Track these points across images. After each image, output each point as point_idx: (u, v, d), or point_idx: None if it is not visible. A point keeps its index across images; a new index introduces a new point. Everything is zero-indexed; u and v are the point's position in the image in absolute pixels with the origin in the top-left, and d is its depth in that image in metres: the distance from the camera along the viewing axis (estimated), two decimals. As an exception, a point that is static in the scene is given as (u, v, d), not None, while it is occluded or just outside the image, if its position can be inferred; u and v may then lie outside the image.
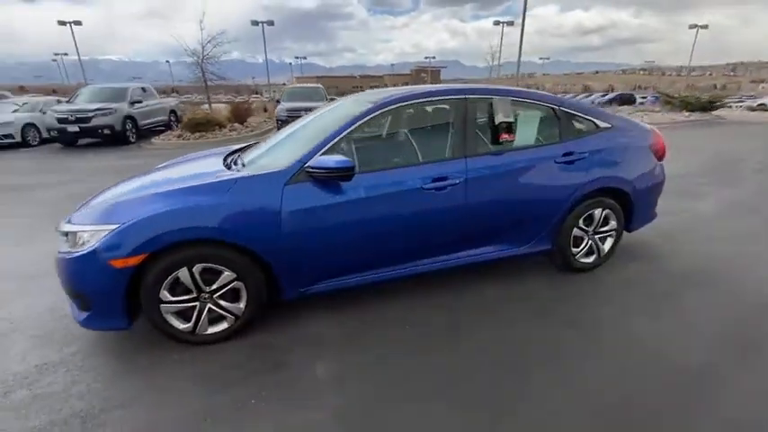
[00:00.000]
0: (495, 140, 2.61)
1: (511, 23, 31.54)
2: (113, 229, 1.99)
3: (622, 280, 2.96)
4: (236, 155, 2.89)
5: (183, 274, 2.08)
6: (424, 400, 1.86)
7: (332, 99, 12.40)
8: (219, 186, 2.17)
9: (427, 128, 2.82)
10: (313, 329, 2.41)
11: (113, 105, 10.91)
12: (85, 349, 2.25)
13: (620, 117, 3.13)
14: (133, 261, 1.98)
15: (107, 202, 2.20)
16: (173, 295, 2.11)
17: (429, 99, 2.57)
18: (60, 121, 10.27)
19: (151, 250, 1.99)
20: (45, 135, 11.03)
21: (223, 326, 2.26)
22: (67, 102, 11.73)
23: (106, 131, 10.57)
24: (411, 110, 2.76)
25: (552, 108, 2.77)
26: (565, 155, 2.70)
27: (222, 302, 2.21)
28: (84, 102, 11.30)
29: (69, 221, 2.16)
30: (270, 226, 2.14)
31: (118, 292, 2.01)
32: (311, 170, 2.17)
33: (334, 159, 2.14)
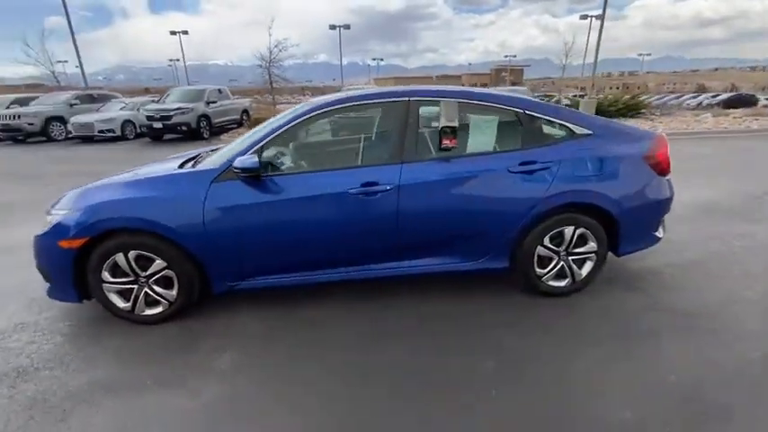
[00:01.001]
0: (440, 146, 2.44)
1: (601, 17, 28.62)
2: (64, 214, 2.28)
3: (600, 307, 2.57)
4: (209, 153, 3.09)
5: (119, 258, 2.31)
6: (299, 401, 1.83)
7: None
8: (154, 182, 2.36)
9: (371, 131, 2.73)
10: (242, 322, 2.50)
11: (191, 105, 12.33)
12: (57, 315, 2.61)
13: (607, 122, 2.70)
14: (76, 243, 2.25)
15: (78, 190, 2.52)
16: (113, 277, 2.35)
17: (366, 102, 2.49)
18: (148, 118, 11.91)
19: (91, 235, 2.24)
20: (138, 131, 12.89)
21: (158, 309, 2.45)
22: (156, 102, 13.53)
23: (184, 128, 12.00)
24: (356, 113, 2.69)
25: (514, 112, 2.50)
26: (523, 164, 2.41)
27: (156, 288, 2.40)
28: (170, 102, 12.94)
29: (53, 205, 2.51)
30: (195, 221, 2.27)
31: (67, 270, 2.31)
32: (234, 170, 2.25)
33: (249, 160, 2.19)
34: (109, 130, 12.46)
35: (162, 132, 12.20)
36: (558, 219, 2.50)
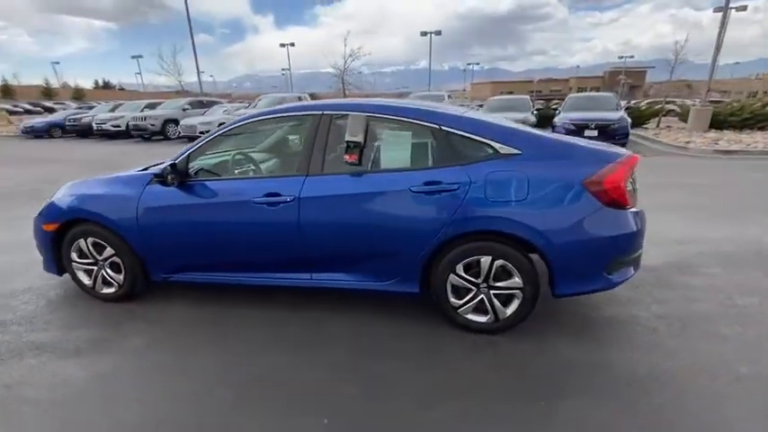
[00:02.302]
0: (354, 161, 2.38)
1: (744, 8, 23.70)
2: (50, 202, 2.81)
3: (516, 354, 2.23)
4: None
5: (82, 243, 2.77)
6: (178, 386, 2.00)
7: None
8: (112, 181, 2.76)
9: (288, 144, 2.76)
10: (176, 313, 2.77)
11: (271, 110, 13.69)
12: (55, 284, 3.21)
13: (548, 141, 2.31)
14: (52, 227, 2.77)
15: (69, 183, 3.05)
16: (79, 257, 2.83)
17: (283, 116, 2.54)
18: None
19: (61, 221, 2.74)
20: (230, 132, 14.75)
21: (112, 289, 2.86)
22: (246, 107, 15.31)
23: (262, 131, 13.39)
24: (281, 124, 2.75)
25: (430, 127, 2.31)
26: (427, 184, 2.22)
27: (109, 271, 2.81)
28: (260, 107, 14.56)
29: None
30: (130, 217, 2.61)
31: (49, 248, 2.85)
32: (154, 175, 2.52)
33: (160, 168, 2.44)
34: (207, 131, 14.51)
35: (246, 134, 13.77)
36: (472, 247, 2.24)
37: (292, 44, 38.52)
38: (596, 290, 2.29)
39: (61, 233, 2.79)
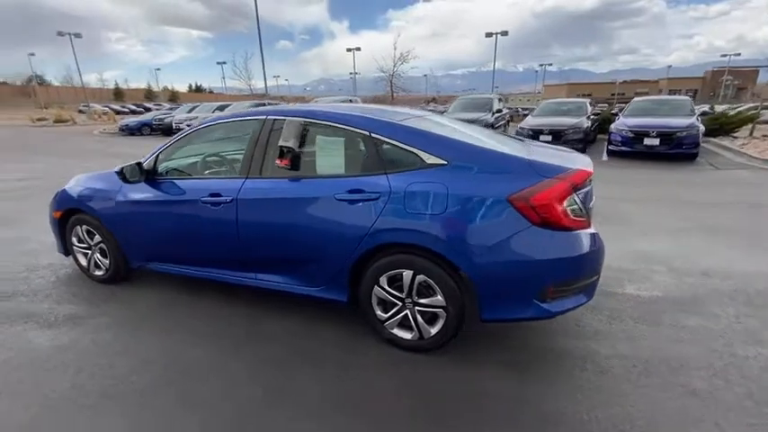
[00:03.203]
0: (286, 165, 2.41)
1: None
2: (61, 191, 3.24)
3: (429, 378, 2.09)
4: None
5: (78, 229, 3.16)
6: (118, 363, 2.22)
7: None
8: (103, 176, 3.10)
9: (240, 146, 2.82)
10: (149, 295, 3.04)
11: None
12: (67, 263, 3.68)
13: (477, 151, 2.12)
14: (58, 214, 3.20)
15: (78, 175, 3.47)
16: (78, 242, 3.23)
17: (236, 120, 2.65)
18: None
19: (62, 210, 3.15)
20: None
21: (101, 272, 3.21)
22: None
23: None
24: (235, 128, 2.83)
25: (361, 134, 2.25)
26: (351, 192, 2.18)
27: (98, 256, 3.17)
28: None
29: None
30: (110, 208, 2.93)
31: (57, 232, 3.29)
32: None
33: (123, 166, 2.69)
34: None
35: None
36: (395, 259, 2.15)
37: (358, 48, 39.66)
38: (527, 318, 2.06)
39: (65, 219, 3.21)
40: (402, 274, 2.16)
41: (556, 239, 1.93)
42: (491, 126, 11.78)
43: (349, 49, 39.79)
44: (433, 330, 2.18)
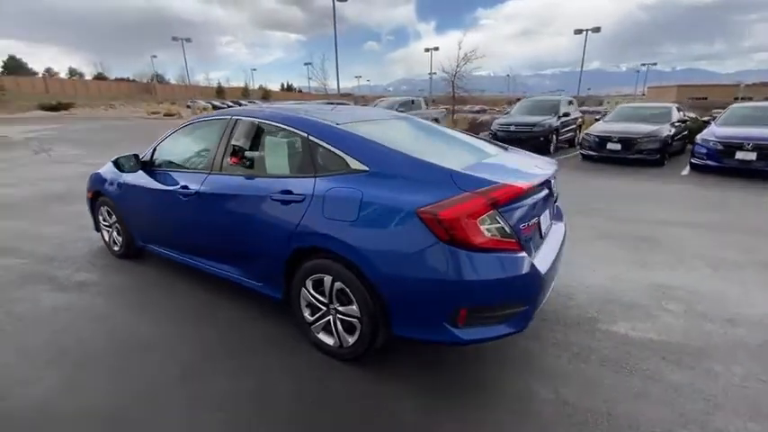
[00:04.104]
0: (235, 163, 2.53)
1: None
2: (93, 175, 3.78)
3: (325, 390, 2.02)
4: None
5: (102, 209, 3.66)
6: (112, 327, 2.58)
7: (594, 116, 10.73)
8: (116, 163, 3.54)
9: (214, 144, 2.96)
10: (150, 272, 3.41)
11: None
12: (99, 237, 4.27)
13: (399, 156, 1.97)
14: (89, 195, 3.74)
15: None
16: (103, 221, 3.74)
17: (212, 119, 2.81)
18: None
19: (92, 191, 3.68)
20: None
21: (117, 248, 3.67)
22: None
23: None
24: (211, 126, 2.96)
25: (301, 136, 2.26)
26: (282, 192, 2.20)
27: (115, 234, 3.63)
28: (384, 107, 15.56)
29: None
30: (118, 192, 3.34)
31: (90, 211, 3.85)
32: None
33: (123, 155, 3.02)
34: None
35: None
36: (317, 263, 2.13)
37: (436, 48, 39.31)
38: (437, 341, 1.90)
39: (95, 200, 3.73)
40: (324, 279, 2.13)
41: (469, 260, 1.74)
42: (555, 131, 10.87)
43: (427, 50, 39.69)
44: (351, 340, 2.12)
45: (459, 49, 14.99)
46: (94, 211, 3.79)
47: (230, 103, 53.79)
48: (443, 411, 1.89)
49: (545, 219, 2.24)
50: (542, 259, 2.04)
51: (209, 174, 2.65)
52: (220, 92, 72.77)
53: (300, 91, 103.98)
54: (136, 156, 3.09)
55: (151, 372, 2.18)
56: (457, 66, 15.02)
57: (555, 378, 2.11)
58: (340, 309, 2.12)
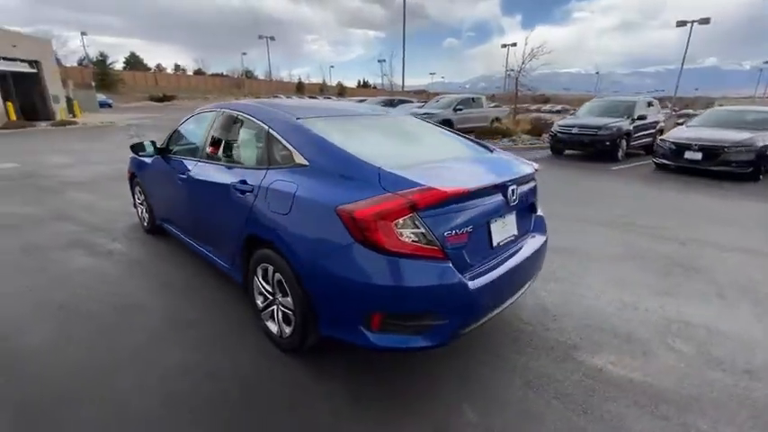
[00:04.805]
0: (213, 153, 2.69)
1: None
2: (132, 157, 4.29)
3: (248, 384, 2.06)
4: None
5: (136, 189, 4.14)
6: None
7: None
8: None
9: (205, 133, 3.09)
10: (164, 245, 3.79)
11: (438, 111, 14.20)
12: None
13: (336, 152, 1.91)
14: (128, 176, 4.25)
15: None
16: (137, 199, 4.22)
17: (207, 112, 2.99)
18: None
19: (130, 172, 4.18)
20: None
21: (145, 224, 4.11)
22: (421, 107, 16.30)
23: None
24: (208, 118, 3.11)
25: (263, 129, 2.32)
26: (240, 182, 2.29)
27: (145, 211, 4.08)
28: (429, 107, 15.33)
29: None
30: (144, 174, 3.76)
31: (131, 189, 4.37)
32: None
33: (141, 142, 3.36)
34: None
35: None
36: (262, 252, 2.19)
37: (514, 44, 37.29)
38: (355, 343, 1.83)
39: (132, 179, 4.23)
40: (268, 269, 2.18)
41: (383, 264, 1.66)
42: (626, 136, 9.73)
43: (503, 45, 37.90)
44: (288, 331, 2.15)
45: (526, 44, 14.09)
46: (132, 189, 4.29)
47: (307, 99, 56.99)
48: (355, 422, 1.83)
49: (501, 229, 2.04)
50: (483, 273, 1.87)
51: (198, 161, 2.86)
52: (300, 87, 77.13)
53: (375, 87, 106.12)
54: (153, 142, 3.43)
55: (125, 333, 2.43)
56: (522, 62, 14.15)
57: (493, 403, 1.93)
58: (280, 299, 2.16)
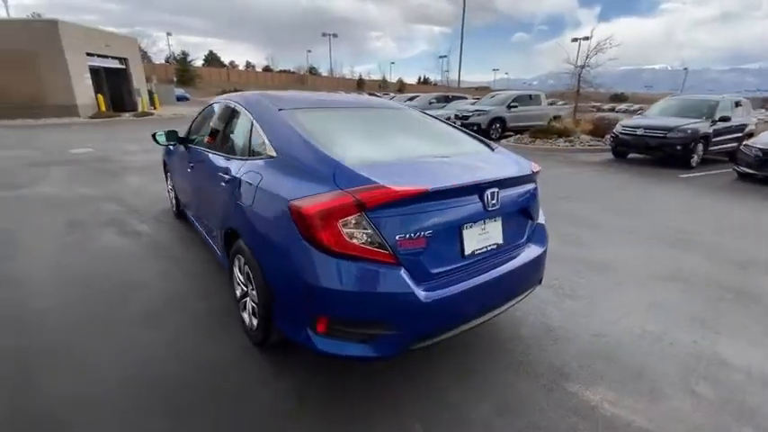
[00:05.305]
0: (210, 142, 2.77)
1: None
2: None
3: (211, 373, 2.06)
4: None
5: (167, 175, 4.42)
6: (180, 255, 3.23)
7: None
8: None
9: (210, 123, 3.11)
10: (178, 232, 4.01)
11: (489, 108, 13.60)
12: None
13: (301, 145, 1.81)
14: (163, 162, 4.56)
15: None
16: (169, 185, 4.51)
17: (219, 102, 3.04)
18: (455, 117, 14.32)
19: (163, 160, 4.47)
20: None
21: (174, 209, 4.40)
22: (473, 104, 15.69)
23: (474, 127, 13.53)
24: (219, 111, 3.15)
25: (249, 120, 2.30)
26: (224, 171, 2.30)
27: (172, 196, 4.34)
28: (483, 104, 14.73)
29: None
30: (169, 162, 3.98)
31: (165, 175, 4.68)
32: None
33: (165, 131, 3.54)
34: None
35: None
36: (237, 243, 2.18)
37: (585, 38, 34.63)
38: (305, 345, 1.73)
39: (165, 166, 4.53)
40: (240, 260, 2.18)
41: (326, 264, 1.56)
42: (703, 139, 8.54)
43: (574, 39, 35.26)
44: (255, 323, 2.13)
45: (590, 38, 12.91)
46: (166, 175, 4.59)
47: (366, 95, 57.86)
48: (298, 423, 1.76)
49: (476, 236, 1.82)
50: (448, 284, 1.68)
51: (201, 151, 2.95)
52: (360, 84, 78.45)
53: (436, 84, 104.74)
54: (175, 132, 3.60)
55: (127, 308, 2.58)
56: (587, 57, 12.99)
57: (451, 428, 1.74)
58: (251, 291, 2.14)
